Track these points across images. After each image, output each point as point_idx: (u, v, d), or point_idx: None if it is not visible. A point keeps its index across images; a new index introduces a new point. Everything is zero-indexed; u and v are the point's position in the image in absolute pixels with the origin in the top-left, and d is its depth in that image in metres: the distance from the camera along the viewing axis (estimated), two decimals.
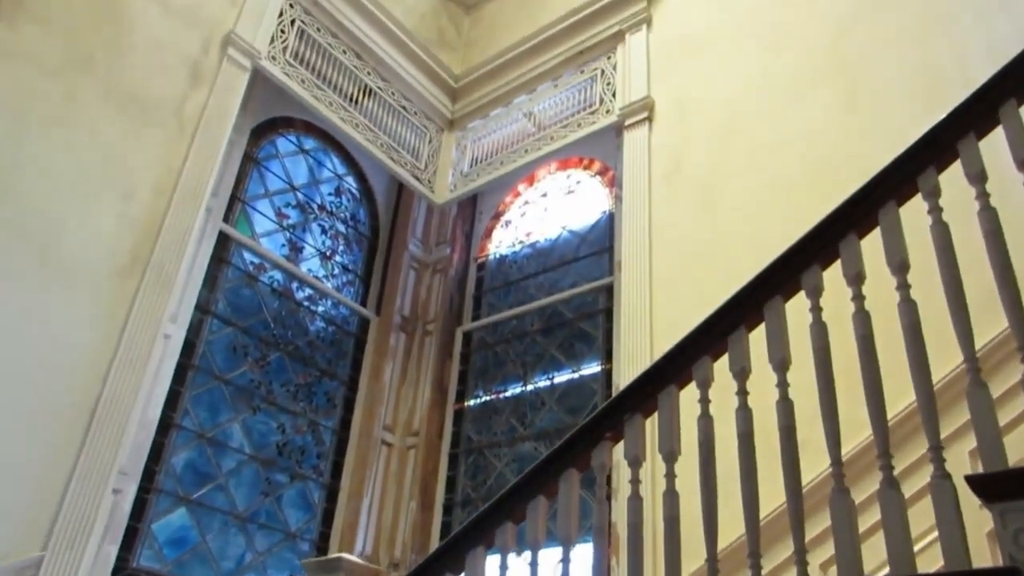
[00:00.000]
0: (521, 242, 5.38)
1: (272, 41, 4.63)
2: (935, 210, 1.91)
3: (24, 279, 3.32)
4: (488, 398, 4.94)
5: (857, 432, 2.42)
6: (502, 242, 5.53)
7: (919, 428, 1.79)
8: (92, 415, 3.36)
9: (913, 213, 2.03)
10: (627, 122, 4.54)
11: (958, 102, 2.08)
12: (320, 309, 5.02)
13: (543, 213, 5.37)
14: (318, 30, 4.94)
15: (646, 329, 3.86)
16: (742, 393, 1.91)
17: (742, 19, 4.37)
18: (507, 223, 5.58)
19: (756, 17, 4.31)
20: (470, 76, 5.57)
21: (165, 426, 4.00)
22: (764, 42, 4.20)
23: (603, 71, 4.90)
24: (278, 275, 4.84)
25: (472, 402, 5.00)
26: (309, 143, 5.34)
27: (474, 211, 5.76)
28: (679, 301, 3.79)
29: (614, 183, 4.89)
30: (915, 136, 2.09)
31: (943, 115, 2.06)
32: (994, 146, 1.99)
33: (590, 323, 4.67)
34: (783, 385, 1.87)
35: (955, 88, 3.17)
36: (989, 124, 1.95)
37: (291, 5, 4.81)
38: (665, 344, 3.67)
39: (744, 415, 1.88)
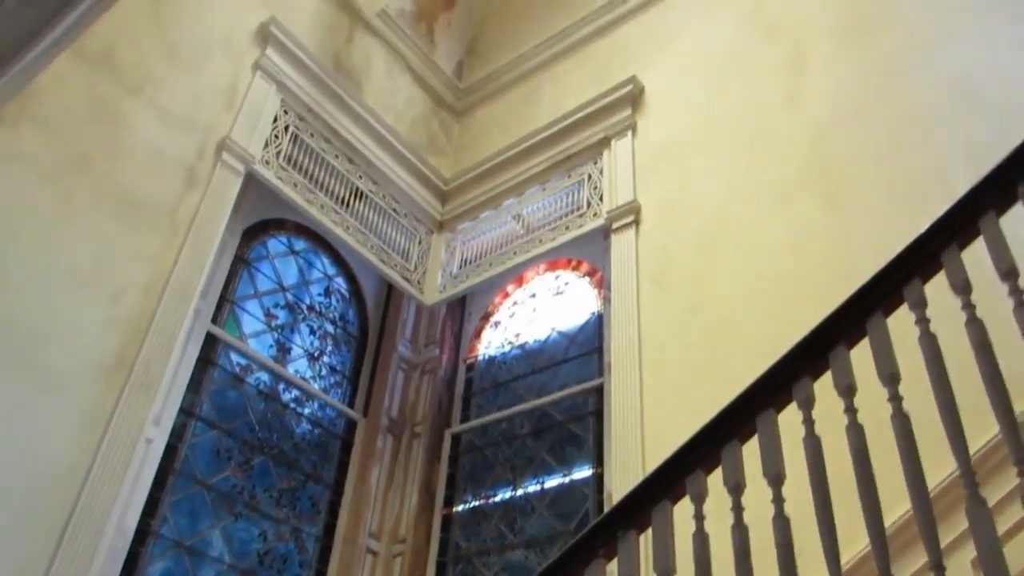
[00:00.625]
0: (510, 343, 5.37)
1: (266, 146, 4.73)
2: (922, 321, 1.93)
3: (7, 380, 3.27)
4: (477, 503, 4.82)
5: (857, 539, 2.37)
6: (491, 343, 5.52)
7: (918, 536, 1.74)
8: (67, 523, 3.25)
9: (903, 319, 2.05)
10: (614, 225, 4.61)
11: (937, 207, 2.13)
12: (306, 411, 4.95)
13: (532, 314, 5.39)
14: (311, 135, 5.05)
15: (637, 431, 3.82)
16: (737, 508, 1.87)
17: (724, 126, 4.50)
18: (496, 324, 5.58)
19: (737, 124, 4.44)
20: (460, 179, 5.67)
21: (142, 534, 3.87)
22: (746, 148, 4.31)
23: (590, 175, 5.01)
24: (265, 376, 4.79)
25: (461, 507, 4.88)
26: (300, 244, 5.38)
27: (463, 312, 5.77)
28: (670, 403, 3.76)
29: (603, 284, 4.92)
30: (898, 240, 2.13)
31: (924, 220, 2.11)
32: (980, 254, 2.02)
33: (580, 425, 4.61)
34: (778, 501, 1.83)
35: (934, 193, 3.27)
36: (971, 235, 1.99)
37: (286, 112, 4.94)
38: (657, 447, 3.65)
39: (740, 533, 1.83)
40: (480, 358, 5.51)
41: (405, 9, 5.85)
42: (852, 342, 2.02)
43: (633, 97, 4.99)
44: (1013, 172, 1.98)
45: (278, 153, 4.79)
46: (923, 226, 2.12)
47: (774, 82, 4.38)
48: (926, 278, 2.01)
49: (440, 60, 6.06)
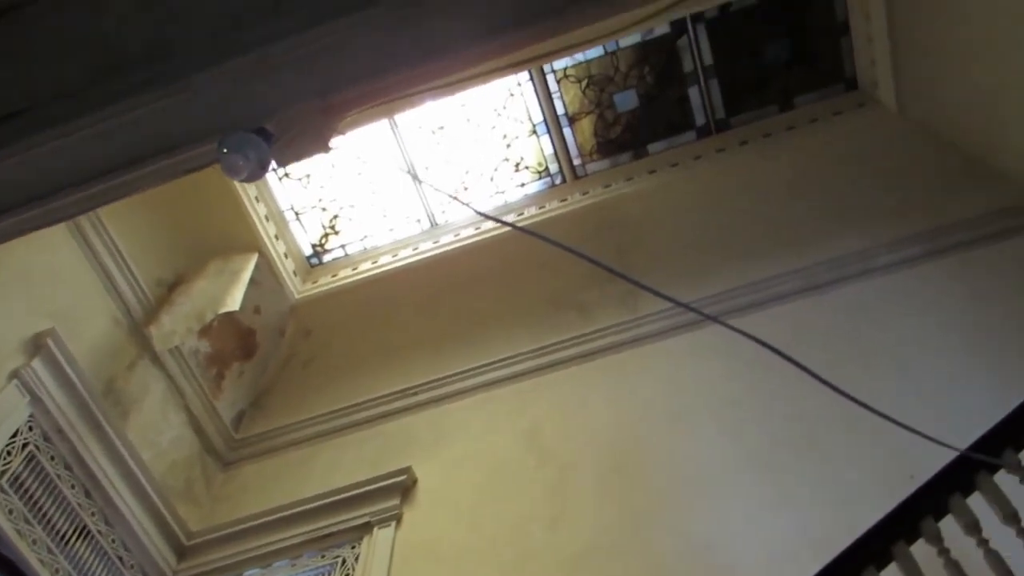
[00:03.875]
0: None
1: None
2: None
3: None
4: None
5: None
6: None
7: None
8: None
9: None
10: None
11: None
12: None
13: None
14: (52, 458, 4.57)
15: None
16: None
17: (488, 535, 4.50)
18: None
19: (501, 536, 4.45)
20: (204, 537, 5.18)
21: None
22: (507, 563, 4.29)
23: (345, 560, 4.76)
24: None
25: None
26: None
27: None
28: None
29: None
30: None
31: None
32: None
33: None
34: None
35: None
36: None
37: (31, 428, 4.49)
38: None
39: None
40: None
41: (200, 350, 5.78)
42: None
43: (405, 487, 4.96)
44: None
45: (4, 472, 4.27)
46: None
47: (540, 503, 4.52)
48: None
49: (221, 406, 5.88)
